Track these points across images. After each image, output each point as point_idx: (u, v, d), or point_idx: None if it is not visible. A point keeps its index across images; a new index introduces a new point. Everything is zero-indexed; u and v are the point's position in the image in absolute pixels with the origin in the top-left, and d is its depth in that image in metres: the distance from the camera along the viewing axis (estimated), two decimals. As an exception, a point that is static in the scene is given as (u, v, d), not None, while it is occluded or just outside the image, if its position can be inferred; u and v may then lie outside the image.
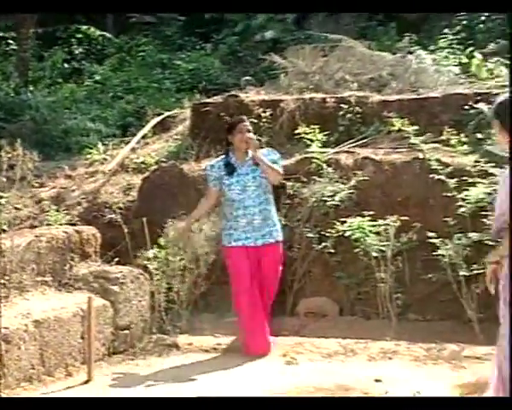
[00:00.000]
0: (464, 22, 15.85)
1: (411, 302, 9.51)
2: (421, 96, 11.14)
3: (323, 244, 9.71)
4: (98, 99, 16.06)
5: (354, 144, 10.61)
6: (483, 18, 16.15)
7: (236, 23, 19.27)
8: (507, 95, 5.86)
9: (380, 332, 9.16)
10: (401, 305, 9.40)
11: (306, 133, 10.28)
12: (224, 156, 8.75)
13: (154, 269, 9.41)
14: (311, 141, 10.25)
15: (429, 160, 9.69)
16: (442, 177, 9.40)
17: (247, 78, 13.45)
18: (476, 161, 9.47)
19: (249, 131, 8.54)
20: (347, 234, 9.48)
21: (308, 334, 9.33)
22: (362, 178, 9.79)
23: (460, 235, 8.97)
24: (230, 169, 8.54)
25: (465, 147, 9.90)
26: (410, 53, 13.17)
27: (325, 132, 10.45)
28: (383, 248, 9.26)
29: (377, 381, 7.71)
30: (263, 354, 8.55)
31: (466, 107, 10.56)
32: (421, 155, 9.90)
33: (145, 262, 9.47)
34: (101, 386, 7.74)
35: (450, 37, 14.74)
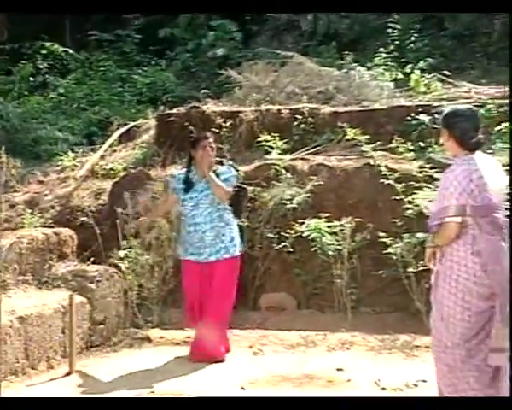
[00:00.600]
0: (396, 42, 15.74)
1: (363, 297, 9.45)
2: (368, 108, 11.12)
3: (283, 244, 9.63)
4: (63, 110, 15.78)
5: (308, 152, 10.48)
6: (413, 38, 16.10)
7: (188, 41, 19.06)
8: (455, 106, 5.95)
9: (335, 325, 9.11)
10: (354, 299, 9.33)
11: (267, 141, 10.16)
12: (186, 170, 8.15)
13: (125, 268, 9.17)
14: (272, 148, 10.15)
15: (378, 166, 9.64)
16: (391, 182, 9.36)
17: (205, 91, 13.25)
18: (421, 167, 9.39)
19: (212, 149, 7.93)
20: (305, 234, 9.38)
21: (270, 327, 9.25)
22: (317, 183, 9.71)
23: (409, 235, 8.88)
24: (187, 185, 7.97)
25: (411, 154, 9.83)
26: (352, 69, 13.07)
27: (281, 141, 10.30)
28: (338, 247, 9.18)
29: (339, 370, 7.62)
30: (206, 360, 7.86)
31: (408, 118, 10.51)
32: (371, 162, 9.80)
33: (116, 261, 9.21)
34: (81, 378, 7.55)
35: (384, 55, 14.64)
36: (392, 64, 14.36)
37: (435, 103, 10.66)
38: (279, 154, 10.08)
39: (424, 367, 7.18)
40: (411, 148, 9.91)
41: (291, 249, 9.60)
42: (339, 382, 7.29)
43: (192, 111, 11.50)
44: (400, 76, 13.40)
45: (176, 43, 19.38)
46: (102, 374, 7.63)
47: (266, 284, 9.86)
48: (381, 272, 9.24)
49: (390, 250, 9.07)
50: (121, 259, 9.26)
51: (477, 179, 5.22)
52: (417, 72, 12.30)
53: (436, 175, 9.13)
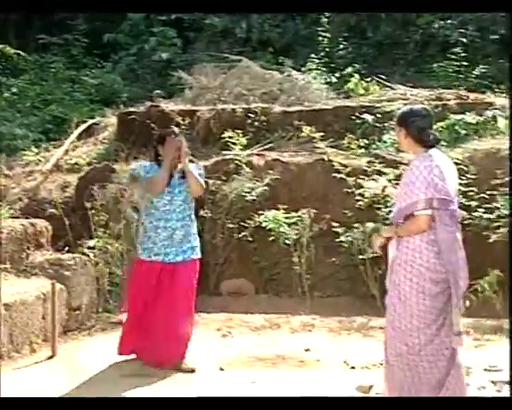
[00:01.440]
0: (327, 49, 15.60)
1: (318, 282, 9.25)
2: (316, 108, 10.89)
3: (242, 233, 9.34)
4: (19, 109, 15.14)
5: (263, 148, 10.21)
6: (341, 46, 15.98)
7: (130, 46, 18.60)
8: (410, 106, 5.70)
9: (293, 308, 8.92)
10: (310, 284, 9.09)
11: (231, 138, 9.86)
12: (154, 164, 6.81)
13: (94, 256, 8.78)
14: (234, 144, 9.84)
15: (330, 161, 9.44)
16: (343, 176, 9.17)
17: (158, 91, 12.86)
18: (370, 162, 9.22)
19: (179, 147, 6.58)
20: (263, 225, 9.10)
21: (233, 311, 8.91)
22: (274, 177, 9.45)
23: (363, 224, 8.71)
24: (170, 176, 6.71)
25: (361, 150, 9.66)
26: (289, 75, 12.85)
27: (236, 138, 10.03)
28: (294, 236, 8.96)
29: (306, 350, 7.40)
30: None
31: (353, 117, 10.33)
32: (322, 157, 9.61)
33: (86, 251, 8.80)
34: (64, 360, 7.16)
35: (316, 61, 14.46)
36: (324, 69, 14.22)
37: (377, 104, 10.50)
38: (240, 150, 9.76)
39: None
40: (359, 144, 9.71)
41: (250, 239, 9.32)
42: (309, 362, 7.08)
43: (152, 110, 11.10)
44: (335, 80, 13.24)
45: (119, 47, 18.86)
46: (85, 356, 7.26)
47: (227, 271, 9.59)
48: (333, 259, 9.03)
49: (342, 239, 8.86)
50: (91, 248, 8.83)
51: (438, 174, 5.06)
52: (356, 75, 12.09)
53: (383, 170, 9.05)
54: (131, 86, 16.92)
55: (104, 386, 6.30)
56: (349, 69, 13.84)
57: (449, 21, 16.10)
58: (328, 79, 13.58)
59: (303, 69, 14.06)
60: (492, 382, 6.36)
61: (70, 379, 6.52)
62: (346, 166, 9.31)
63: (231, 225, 9.43)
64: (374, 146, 9.80)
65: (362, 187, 8.97)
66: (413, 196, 5.03)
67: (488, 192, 8.71)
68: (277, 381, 6.41)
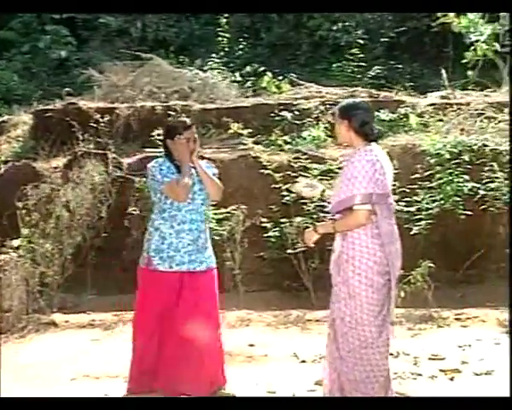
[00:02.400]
0: (226, 49, 15.34)
1: (245, 277, 8.95)
2: (234, 105, 10.61)
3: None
4: None
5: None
6: (241, 46, 15.79)
7: (23, 44, 17.79)
8: (352, 99, 5.88)
9: (226, 304, 8.54)
10: (242, 279, 8.83)
11: (159, 135, 9.44)
12: (167, 161, 5.56)
13: (18, 257, 8.23)
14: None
15: (255, 157, 9.24)
16: (269, 171, 8.99)
17: (67, 89, 12.24)
18: (296, 158, 9.05)
19: (195, 141, 5.52)
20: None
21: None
22: (200, 174, 9.11)
23: (291, 219, 8.53)
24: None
25: (283, 147, 9.48)
26: (197, 73, 12.52)
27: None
28: (223, 232, 8.68)
29: (251, 345, 7.16)
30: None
31: (272, 114, 10.14)
32: (245, 153, 9.39)
33: (10, 251, 8.24)
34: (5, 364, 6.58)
35: (217, 60, 14.19)
36: (223, 68, 13.97)
37: (294, 102, 10.34)
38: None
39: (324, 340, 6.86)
40: (279, 141, 9.53)
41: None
42: (258, 357, 6.85)
43: (69, 107, 10.54)
44: (239, 78, 13.01)
45: (10, 45, 18.01)
46: (19, 357, 6.88)
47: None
48: (261, 254, 8.81)
49: (270, 234, 8.68)
50: (16, 248, 8.27)
51: (380, 169, 4.98)
52: (269, 74, 11.88)
53: (309, 165, 8.93)
54: (27, 84, 16.18)
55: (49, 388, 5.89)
56: (247, 68, 13.70)
57: (340, 24, 16.18)
58: (233, 78, 13.26)
59: (204, 68, 13.75)
60: (442, 371, 6.30)
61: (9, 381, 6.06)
62: (271, 162, 9.10)
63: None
64: (294, 143, 9.61)
65: (288, 183, 8.78)
66: (354, 189, 4.92)
67: (408, 186, 8.69)
68: (233, 378, 6.11)
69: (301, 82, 11.63)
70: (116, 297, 8.81)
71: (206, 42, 17.03)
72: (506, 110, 9.52)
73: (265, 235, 8.81)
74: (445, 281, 8.66)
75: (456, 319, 7.84)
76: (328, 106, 10.08)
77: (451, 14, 12.96)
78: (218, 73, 13.44)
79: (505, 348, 6.80)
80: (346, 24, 16.16)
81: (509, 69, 8.81)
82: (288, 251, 8.59)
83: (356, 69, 13.60)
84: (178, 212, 5.44)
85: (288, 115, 10.03)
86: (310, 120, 9.91)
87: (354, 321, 5.01)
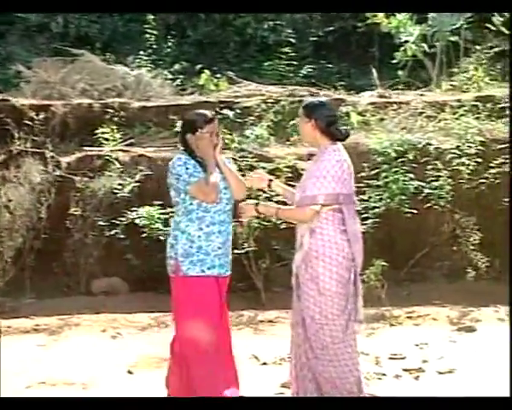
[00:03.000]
0: (154, 46, 15.08)
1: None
2: (174, 103, 10.38)
3: (114, 231, 8.68)
4: None
5: (125, 144, 9.60)
6: (169, 43, 15.54)
7: None
8: (317, 98, 5.83)
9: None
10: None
11: (104, 133, 9.18)
12: (187, 155, 5.03)
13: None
14: (107, 140, 9.17)
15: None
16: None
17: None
18: (242, 157, 8.93)
19: (218, 135, 5.08)
20: (136, 221, 8.55)
21: (109, 310, 8.29)
22: (145, 173, 8.93)
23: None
24: (203, 167, 5.00)
25: (233, 146, 9.33)
26: (132, 70, 12.25)
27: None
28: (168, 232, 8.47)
29: (208, 348, 6.96)
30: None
31: (213, 112, 9.93)
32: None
33: None
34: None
35: (145, 58, 13.93)
36: (152, 66, 13.73)
37: (236, 100, 10.21)
38: (114, 145, 9.13)
39: (282, 341, 6.76)
40: (227, 140, 9.36)
41: (122, 236, 8.71)
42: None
43: (0, 103, 10.11)
44: (170, 76, 12.80)
45: None
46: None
47: (98, 270, 8.92)
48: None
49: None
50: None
51: (347, 169, 4.99)
52: (207, 71, 11.69)
53: (256, 164, 8.81)
54: None
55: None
56: (176, 66, 13.52)
57: (268, 23, 16.11)
58: (164, 76, 13.03)
59: (132, 66, 13.47)
60: (406, 370, 6.29)
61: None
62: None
63: (102, 223, 8.78)
64: (237, 141, 9.47)
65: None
66: (322, 188, 4.86)
67: (355, 185, 8.66)
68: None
69: (240, 80, 11.48)
70: (57, 301, 8.55)
71: (131, 39, 16.68)
72: (448, 109, 9.63)
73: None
74: (391, 279, 8.68)
75: (408, 317, 7.89)
76: (269, 104, 9.99)
77: (381, 15, 13.09)
78: (148, 71, 13.22)
79: (461, 347, 6.88)
80: (275, 23, 16.07)
81: (510, 70, 8.83)
82: (237, 251, 8.43)
83: (288, 68, 13.54)
84: (207, 213, 4.95)
85: (230, 114, 9.89)
86: (252, 118, 9.78)
87: (324, 318, 4.96)
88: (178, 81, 12.76)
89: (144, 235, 8.61)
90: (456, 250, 8.90)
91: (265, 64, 13.81)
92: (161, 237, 8.52)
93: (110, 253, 8.91)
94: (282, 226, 8.32)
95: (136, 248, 8.88)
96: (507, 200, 8.92)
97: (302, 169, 8.68)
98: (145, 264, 8.91)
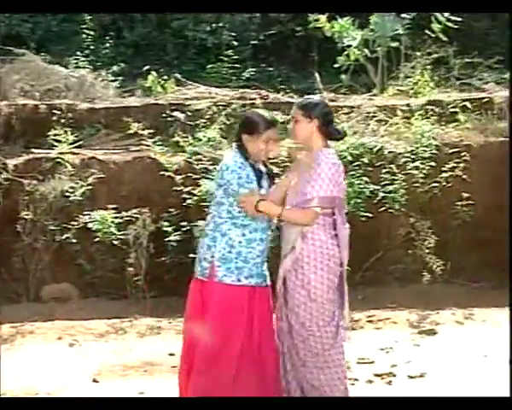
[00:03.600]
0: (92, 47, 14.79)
1: (151, 282, 8.58)
2: (124, 105, 10.14)
3: (65, 235, 8.44)
4: None
5: (73, 146, 9.31)
6: (107, 44, 15.25)
7: None
8: (318, 97, 5.62)
9: (126, 311, 8.23)
10: (141, 285, 8.48)
11: (56, 135, 8.90)
12: (243, 158, 4.84)
13: None
14: (59, 142, 8.89)
15: (153, 159, 8.91)
16: (170, 173, 8.66)
17: None
18: (198, 160, 8.80)
19: (276, 141, 4.93)
20: (89, 225, 8.34)
21: (60, 317, 8.04)
22: (94, 176, 8.69)
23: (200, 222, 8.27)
24: (258, 176, 4.88)
25: (188, 149, 9.18)
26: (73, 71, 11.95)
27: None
28: (121, 237, 8.31)
29: (171, 355, 6.82)
30: None
31: (163, 115, 9.81)
32: (143, 155, 9.04)
33: None
34: None
35: (82, 58, 13.64)
36: (90, 67, 13.45)
37: (186, 102, 10.05)
38: (69, 147, 8.87)
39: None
40: (182, 142, 9.25)
41: (74, 240, 8.49)
42: (183, 366, 6.50)
43: None
44: (111, 77, 12.55)
45: None
46: None
47: (49, 275, 8.64)
48: (163, 258, 8.50)
49: (171, 238, 8.39)
50: None
51: (341, 173, 4.94)
52: (154, 73, 11.47)
53: (211, 167, 8.72)
54: None
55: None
56: (114, 68, 13.28)
57: (206, 26, 15.98)
58: (106, 78, 12.76)
59: (70, 66, 13.16)
60: (377, 375, 6.26)
61: None
62: (170, 163, 8.80)
63: (53, 227, 8.52)
64: (188, 144, 9.34)
65: (190, 185, 8.54)
66: (321, 191, 4.77)
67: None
68: (166, 389, 5.80)
69: (189, 82, 11.32)
70: (6, 308, 8.25)
71: (65, 39, 16.32)
72: (400, 113, 9.70)
73: (166, 239, 8.46)
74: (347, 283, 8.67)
75: (369, 321, 7.89)
76: (220, 107, 9.88)
77: (323, 19, 13.11)
78: (87, 72, 12.94)
79: (426, 350, 6.91)
80: (214, 25, 15.96)
81: (510, 71, 8.85)
82: (192, 256, 8.29)
83: (230, 71, 13.45)
84: (252, 220, 4.79)
85: (181, 116, 9.73)
86: (203, 120, 9.65)
87: (315, 325, 4.86)
88: (120, 82, 12.51)
89: (97, 239, 8.40)
90: (411, 253, 8.93)
91: (208, 67, 13.67)
92: (115, 242, 8.36)
93: (61, 258, 8.64)
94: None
95: (88, 253, 8.64)
96: (459, 203, 9.06)
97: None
98: (98, 269, 8.68)
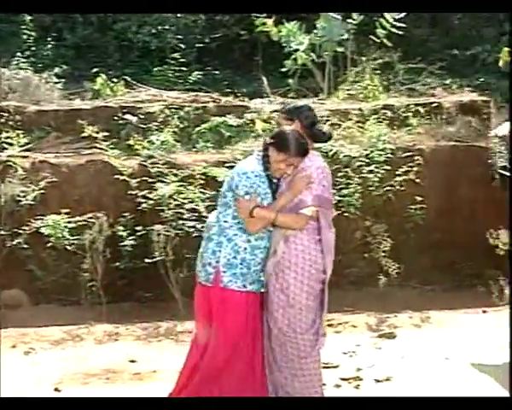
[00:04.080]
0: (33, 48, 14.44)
1: (103, 288, 8.40)
2: (73, 107, 9.90)
3: (16, 241, 8.21)
4: None
5: (23, 149, 9.06)
6: (49, 45, 14.95)
7: None
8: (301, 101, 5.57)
9: (81, 317, 8.04)
10: (95, 291, 8.30)
11: (8, 138, 8.67)
12: (262, 166, 4.80)
13: None
14: (10, 145, 8.65)
15: (105, 162, 8.73)
16: (125, 177, 8.52)
17: None
18: (153, 163, 8.68)
19: (294, 167, 4.80)
20: (41, 230, 8.14)
21: (13, 324, 7.79)
22: (49, 180, 8.53)
23: (156, 226, 8.15)
24: (272, 186, 4.84)
25: (143, 152, 9.02)
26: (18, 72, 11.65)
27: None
28: (75, 242, 8.14)
29: (132, 361, 6.73)
30: None
31: (115, 118, 9.63)
32: (96, 158, 8.85)
33: None
34: None
35: (23, 60, 13.33)
36: (31, 68, 13.15)
37: (138, 105, 9.88)
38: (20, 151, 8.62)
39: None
40: (137, 146, 9.09)
41: (26, 246, 8.27)
42: (147, 374, 6.43)
43: None
44: (56, 79, 12.28)
45: None
46: None
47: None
48: (118, 264, 8.35)
49: (126, 243, 8.25)
50: None
51: (327, 175, 4.96)
52: (103, 76, 11.27)
53: (167, 171, 8.62)
54: None
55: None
56: (56, 70, 13.01)
57: (149, 28, 15.83)
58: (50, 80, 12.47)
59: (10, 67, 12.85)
60: (344, 379, 6.24)
61: None
62: (125, 167, 8.66)
63: (3, 232, 8.29)
64: (141, 147, 9.19)
65: (147, 189, 8.42)
66: (312, 191, 4.77)
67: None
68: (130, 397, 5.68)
69: (139, 85, 11.16)
70: None
71: (2, 40, 15.94)
72: (354, 118, 9.73)
73: (121, 244, 8.31)
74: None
75: (329, 325, 7.85)
76: (173, 110, 9.76)
77: (270, 23, 13.10)
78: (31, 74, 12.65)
79: (388, 353, 6.92)
80: (157, 28, 15.81)
81: (510, 72, 8.84)
82: (148, 260, 8.19)
83: (176, 74, 13.33)
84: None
85: (133, 119, 9.58)
86: (156, 124, 9.52)
87: (292, 331, 4.84)
88: (63, 85, 12.25)
89: (49, 245, 8.21)
90: (367, 257, 8.97)
91: (155, 70, 13.52)
92: (68, 247, 8.18)
93: (11, 264, 8.40)
94: (194, 235, 8.18)
95: (40, 259, 8.43)
96: (412, 207, 9.14)
97: (214, 177, 8.57)
98: (49, 275, 8.48)
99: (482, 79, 13.22)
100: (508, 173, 9.76)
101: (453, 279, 9.46)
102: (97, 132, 8.81)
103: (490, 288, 9.03)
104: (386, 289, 8.80)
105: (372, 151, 9.06)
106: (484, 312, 8.28)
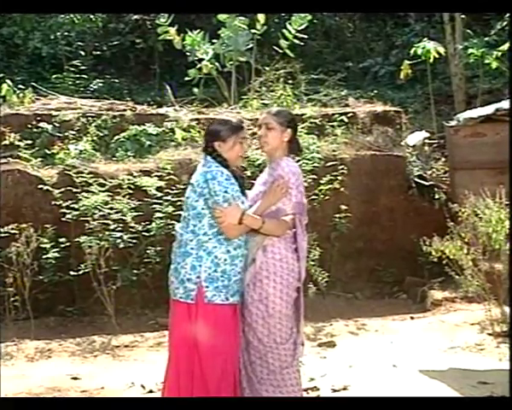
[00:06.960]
0: None
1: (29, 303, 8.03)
2: (-16, 114, 9.47)
3: None
4: None
5: None
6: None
7: None
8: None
9: (3, 335, 7.67)
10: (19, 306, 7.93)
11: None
12: (224, 168, 4.61)
13: None
14: None
15: (21, 171, 8.44)
16: (48, 187, 8.24)
17: None
18: (78, 173, 8.43)
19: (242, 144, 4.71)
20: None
21: None
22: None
23: (82, 237, 7.91)
24: (241, 186, 4.68)
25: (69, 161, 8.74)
26: None
27: None
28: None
29: (75, 378, 6.50)
30: None
31: (29, 126, 9.29)
32: (13, 168, 8.53)
33: None
34: None
35: None
36: None
37: (54, 113, 9.58)
38: None
39: (152, 366, 6.48)
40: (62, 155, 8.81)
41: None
42: (96, 391, 6.18)
43: None
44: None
45: None
46: None
47: None
48: (42, 277, 8.06)
49: (49, 255, 7.98)
50: None
51: (302, 181, 4.94)
52: (9, 81, 10.80)
53: (91, 180, 8.40)
54: None
55: None
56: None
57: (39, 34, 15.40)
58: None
59: None
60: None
61: None
62: (47, 177, 8.38)
63: None
64: (59, 157, 8.91)
65: (70, 199, 8.18)
66: (292, 197, 4.73)
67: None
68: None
69: (51, 93, 10.81)
70: None
71: None
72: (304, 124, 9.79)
73: (44, 257, 8.02)
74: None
75: (266, 335, 7.82)
76: (89, 118, 9.53)
77: (173, 32, 13.01)
78: None
79: (334, 362, 6.94)
80: (47, 35, 15.40)
81: (510, 74, 8.84)
82: (73, 273, 7.95)
83: (77, 81, 13.05)
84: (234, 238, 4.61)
85: (49, 127, 9.27)
86: (73, 132, 9.26)
87: (272, 341, 4.75)
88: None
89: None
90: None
91: (53, 77, 13.17)
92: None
93: None
94: (121, 246, 8.02)
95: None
96: (336, 215, 9.27)
97: (141, 186, 8.43)
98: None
99: (376, 91, 13.55)
100: (424, 182, 10.15)
101: (375, 286, 9.66)
102: (14, 141, 8.44)
103: (409, 294, 9.30)
104: (315, 297, 8.85)
105: (299, 160, 9.11)
106: (412, 318, 8.48)
